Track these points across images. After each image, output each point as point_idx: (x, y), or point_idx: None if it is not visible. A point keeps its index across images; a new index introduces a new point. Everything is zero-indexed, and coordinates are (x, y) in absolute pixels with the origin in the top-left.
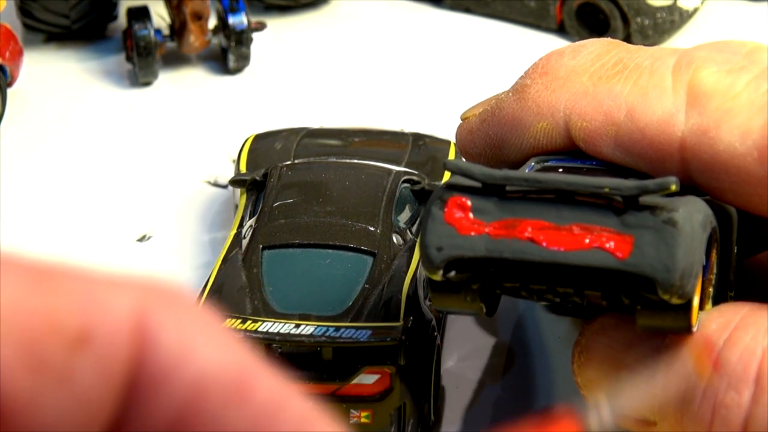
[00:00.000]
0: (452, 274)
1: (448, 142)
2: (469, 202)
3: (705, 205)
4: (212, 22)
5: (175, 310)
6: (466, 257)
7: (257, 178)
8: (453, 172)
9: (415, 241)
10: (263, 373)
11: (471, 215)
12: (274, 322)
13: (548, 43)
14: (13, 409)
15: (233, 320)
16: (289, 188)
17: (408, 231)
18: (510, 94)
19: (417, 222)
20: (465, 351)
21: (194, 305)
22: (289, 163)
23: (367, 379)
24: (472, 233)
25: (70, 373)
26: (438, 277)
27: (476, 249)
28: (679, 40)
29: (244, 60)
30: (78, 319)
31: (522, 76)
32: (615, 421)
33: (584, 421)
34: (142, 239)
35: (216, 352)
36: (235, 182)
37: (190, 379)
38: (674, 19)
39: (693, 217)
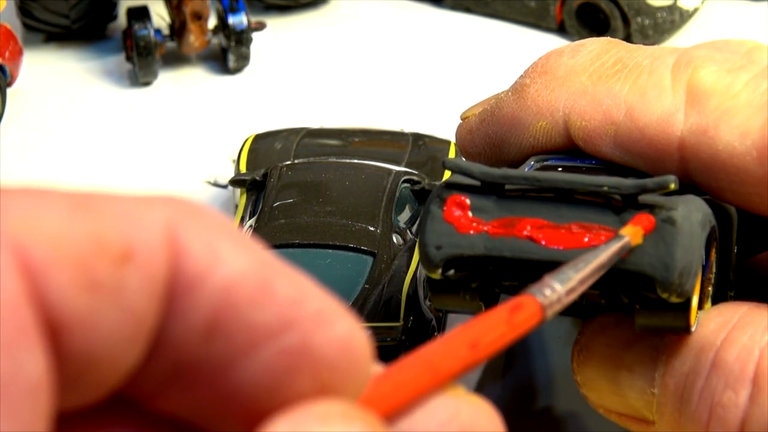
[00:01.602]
0: (451, 272)
1: (448, 142)
2: (468, 201)
3: (704, 204)
4: (212, 22)
5: (200, 222)
6: (465, 256)
7: (257, 178)
8: (452, 171)
9: (415, 241)
10: (283, 272)
11: (470, 214)
12: None
13: (548, 43)
14: (73, 327)
15: None
16: (289, 188)
17: (408, 231)
18: (509, 93)
19: (417, 222)
20: None
21: (217, 217)
22: (289, 163)
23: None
24: (471, 232)
25: (120, 288)
26: (437, 275)
27: (475, 247)
28: (679, 40)
29: (244, 60)
30: (120, 237)
31: (521, 75)
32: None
33: (541, 303)
34: None
35: (240, 257)
36: (235, 182)
37: (219, 284)
38: (674, 19)
39: (692, 215)
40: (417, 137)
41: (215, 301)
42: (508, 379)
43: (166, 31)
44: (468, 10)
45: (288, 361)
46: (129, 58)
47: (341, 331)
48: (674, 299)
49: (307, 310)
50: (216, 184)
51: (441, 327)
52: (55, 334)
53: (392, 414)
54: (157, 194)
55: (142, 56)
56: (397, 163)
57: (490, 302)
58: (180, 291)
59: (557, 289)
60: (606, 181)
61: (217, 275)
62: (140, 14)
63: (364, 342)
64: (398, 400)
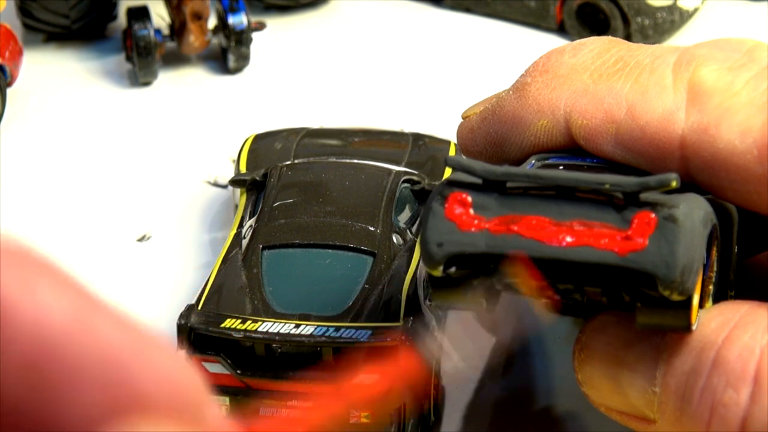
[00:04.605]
0: (452, 270)
1: (448, 142)
2: (469, 198)
3: (705, 202)
4: (212, 22)
5: (16, 259)
6: (467, 253)
7: (257, 178)
8: (454, 169)
9: (415, 241)
10: (101, 308)
11: (471, 211)
12: (274, 322)
13: (548, 42)
14: None
15: (233, 320)
16: (289, 188)
17: (408, 231)
18: (511, 92)
19: (417, 222)
20: (465, 351)
21: (35, 254)
22: (289, 163)
23: (367, 379)
24: (473, 229)
25: None
26: (438, 273)
27: (477, 245)
28: (680, 40)
29: (244, 60)
30: None
31: (522, 74)
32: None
33: (421, 349)
34: (142, 239)
35: (55, 292)
36: (235, 182)
37: (32, 318)
38: (674, 19)
39: (693, 213)
40: (417, 137)
41: (30, 336)
42: (508, 379)
43: (166, 31)
44: (468, 10)
45: (110, 396)
46: (129, 58)
47: (167, 365)
48: (675, 297)
49: (129, 344)
50: (216, 184)
51: (441, 327)
52: None
53: None
54: None
55: (142, 56)
56: (397, 163)
57: (492, 299)
58: None
59: None
60: (608, 179)
61: (30, 309)
62: (140, 14)
63: (192, 378)
64: None
